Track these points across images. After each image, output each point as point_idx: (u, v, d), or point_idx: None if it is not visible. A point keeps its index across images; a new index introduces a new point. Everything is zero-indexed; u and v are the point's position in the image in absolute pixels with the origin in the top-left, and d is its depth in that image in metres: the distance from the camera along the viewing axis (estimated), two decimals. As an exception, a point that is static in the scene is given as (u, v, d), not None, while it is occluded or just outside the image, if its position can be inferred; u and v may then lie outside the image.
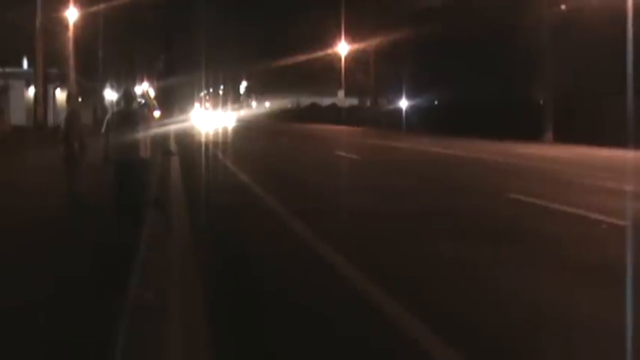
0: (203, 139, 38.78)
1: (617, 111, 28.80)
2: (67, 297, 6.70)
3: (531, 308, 6.69)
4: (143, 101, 48.67)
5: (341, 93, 67.77)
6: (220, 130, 49.90)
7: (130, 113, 10.36)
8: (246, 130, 53.85)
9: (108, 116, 10.71)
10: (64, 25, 39.44)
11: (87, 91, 49.19)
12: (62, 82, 44.59)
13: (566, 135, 34.97)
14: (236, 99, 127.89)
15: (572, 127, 35.33)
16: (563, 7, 38.30)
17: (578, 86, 37.04)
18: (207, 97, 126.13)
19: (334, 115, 71.15)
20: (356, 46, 63.00)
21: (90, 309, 6.20)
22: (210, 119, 45.39)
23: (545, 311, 6.61)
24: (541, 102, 39.78)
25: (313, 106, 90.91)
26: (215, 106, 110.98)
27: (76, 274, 7.58)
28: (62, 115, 12.47)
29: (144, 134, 9.94)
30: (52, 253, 8.68)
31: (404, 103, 57.44)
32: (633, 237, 9.72)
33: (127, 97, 10.94)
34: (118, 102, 50.72)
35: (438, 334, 5.78)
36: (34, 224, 10.71)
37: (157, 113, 49.17)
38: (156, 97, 66.58)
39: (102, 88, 56.66)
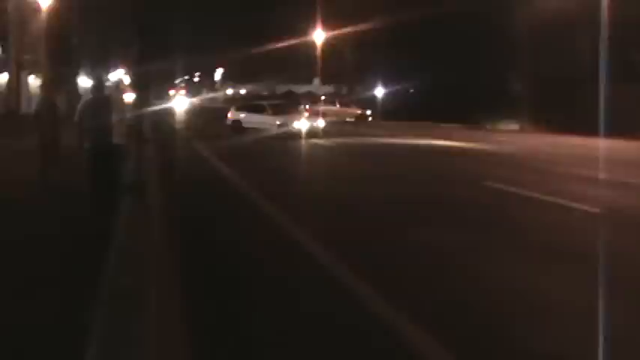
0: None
1: (592, 99, 28.99)
2: (42, 283, 6.69)
3: (498, 287, 6.80)
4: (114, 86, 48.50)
5: (317, 80, 67.61)
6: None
7: (102, 100, 10.41)
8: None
9: (80, 104, 10.73)
10: (36, 10, 38.92)
11: (61, 79, 48.54)
12: (35, 69, 44.03)
13: (541, 123, 35.24)
14: (212, 86, 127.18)
15: (547, 115, 35.60)
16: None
17: (554, 74, 37.28)
18: (183, 85, 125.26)
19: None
20: (332, 33, 62.74)
21: (66, 293, 6.19)
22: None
23: (514, 291, 6.75)
24: (517, 90, 40.03)
25: (289, 94, 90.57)
26: (190, 93, 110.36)
27: (51, 261, 7.56)
28: (35, 102, 12.40)
29: (117, 120, 10.00)
30: (25, 241, 8.62)
31: (380, 91, 57.50)
32: (605, 224, 9.84)
33: (98, 84, 10.96)
34: (90, 90, 50.08)
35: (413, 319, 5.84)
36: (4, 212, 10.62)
37: (127, 96, 48.74)
38: (130, 84, 65.97)
39: (76, 75, 55.99)
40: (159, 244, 5.04)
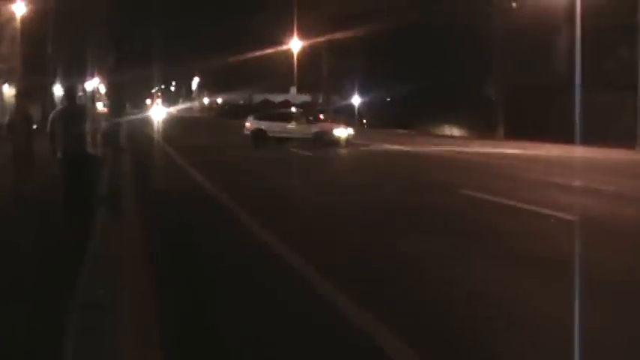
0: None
1: (566, 107, 29.27)
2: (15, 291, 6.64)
3: (474, 294, 6.86)
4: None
5: (293, 89, 67.66)
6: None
7: (74, 109, 10.36)
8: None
9: (52, 114, 10.68)
10: (11, 18, 38.66)
11: (36, 88, 48.13)
12: (10, 78, 43.65)
13: (517, 131, 35.49)
14: (188, 95, 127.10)
15: (523, 122, 35.86)
16: (514, 4, 38.92)
17: (530, 82, 37.53)
18: (160, 94, 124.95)
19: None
20: (308, 42, 62.85)
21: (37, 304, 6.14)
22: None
23: (489, 298, 6.81)
24: (493, 98, 40.34)
25: (266, 103, 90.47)
26: (167, 102, 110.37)
27: (23, 269, 7.51)
28: (9, 112, 12.36)
29: (90, 129, 9.94)
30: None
31: (356, 100, 57.74)
32: (580, 231, 9.91)
33: (70, 94, 10.91)
34: (61, 100, 49.74)
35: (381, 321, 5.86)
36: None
37: (103, 105, 48.68)
38: (106, 93, 65.74)
39: (51, 84, 55.58)
40: (130, 250, 5.04)
